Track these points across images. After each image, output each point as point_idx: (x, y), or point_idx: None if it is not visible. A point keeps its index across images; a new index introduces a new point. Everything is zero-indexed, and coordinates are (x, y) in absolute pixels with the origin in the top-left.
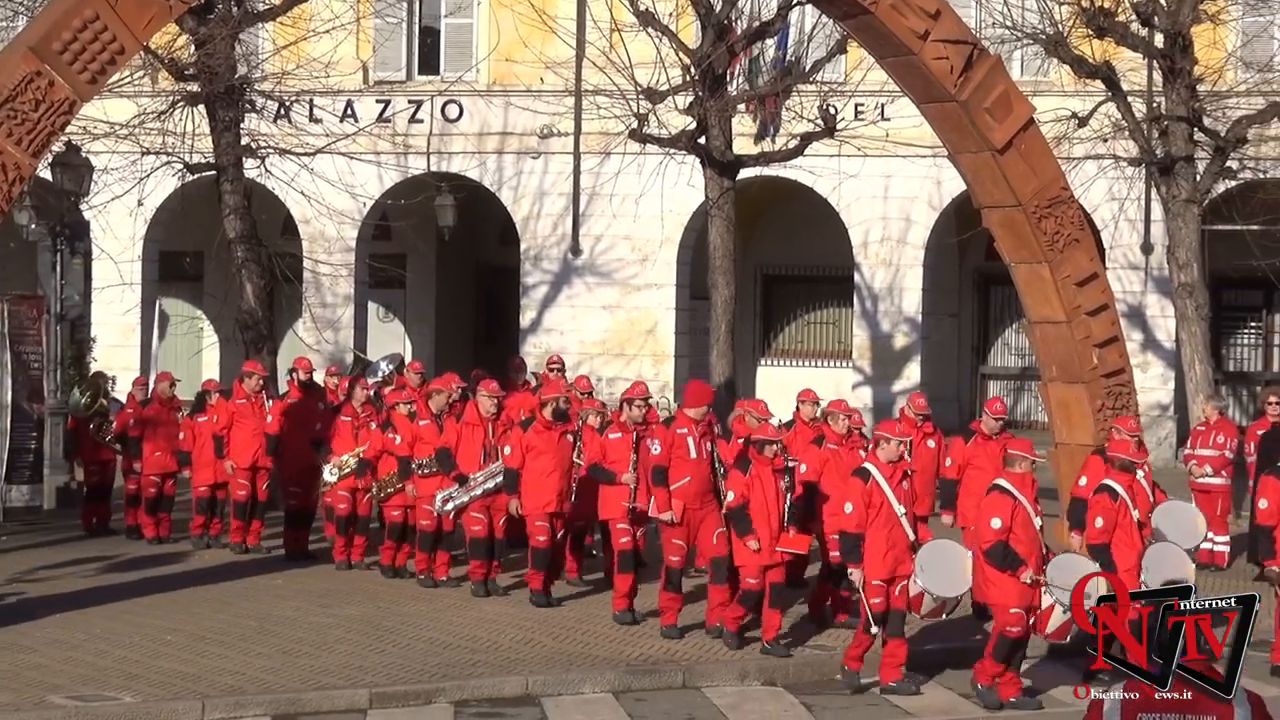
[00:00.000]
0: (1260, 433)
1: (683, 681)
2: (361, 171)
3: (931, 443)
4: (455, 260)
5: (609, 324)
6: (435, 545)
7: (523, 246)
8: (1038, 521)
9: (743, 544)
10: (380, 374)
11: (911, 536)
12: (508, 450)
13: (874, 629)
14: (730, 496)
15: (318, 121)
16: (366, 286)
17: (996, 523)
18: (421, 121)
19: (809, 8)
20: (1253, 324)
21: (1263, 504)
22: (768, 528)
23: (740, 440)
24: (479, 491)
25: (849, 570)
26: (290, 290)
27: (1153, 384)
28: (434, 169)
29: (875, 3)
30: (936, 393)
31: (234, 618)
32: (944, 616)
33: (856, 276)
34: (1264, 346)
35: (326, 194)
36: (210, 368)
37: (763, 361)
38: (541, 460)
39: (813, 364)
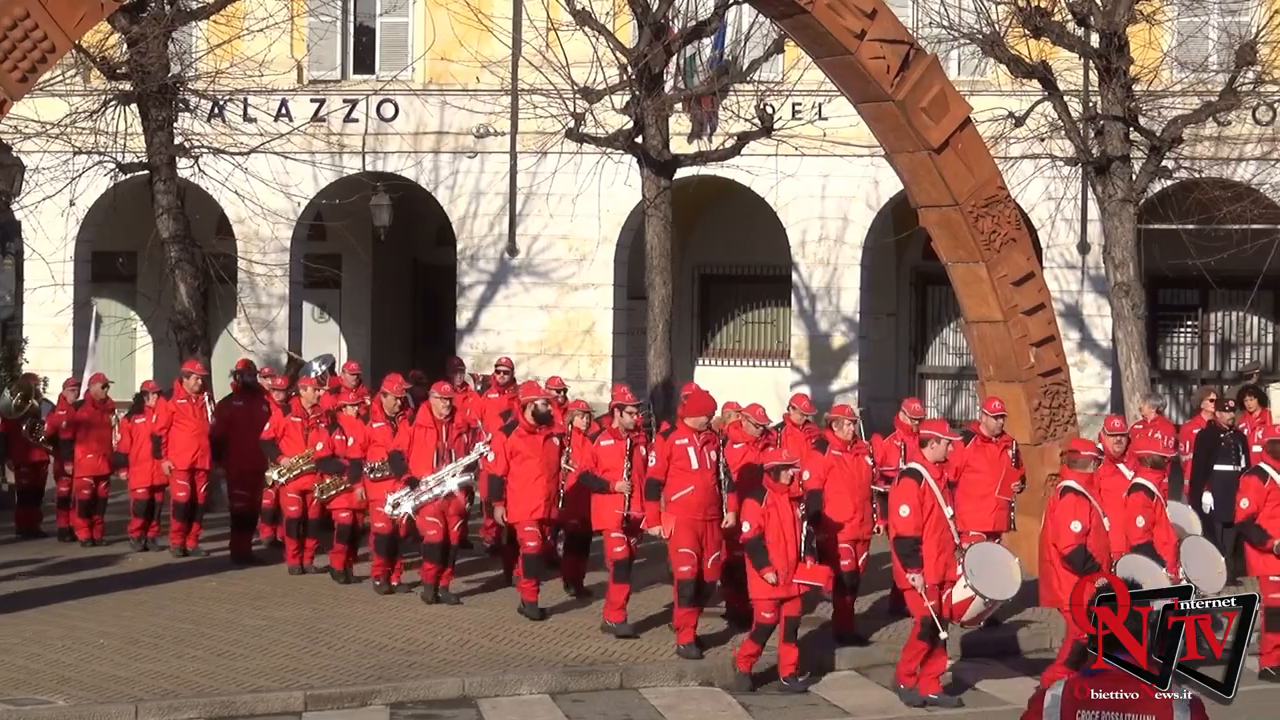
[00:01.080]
0: (1196, 431)
1: (620, 682)
2: (296, 171)
3: None
4: (391, 260)
5: (546, 324)
6: (392, 550)
7: (459, 246)
8: (1107, 522)
9: (759, 577)
10: (313, 374)
11: (957, 539)
12: (491, 456)
13: (944, 634)
14: (746, 528)
15: (252, 121)
16: (301, 287)
17: (1077, 526)
18: (357, 121)
19: (746, 7)
20: (1189, 323)
21: (1244, 503)
22: (784, 559)
23: (736, 446)
24: (428, 496)
25: (910, 575)
26: (224, 290)
27: (1089, 383)
28: (369, 168)
29: (812, 2)
30: (875, 392)
31: (167, 620)
32: (981, 624)
33: (794, 276)
34: (1200, 345)
35: (261, 194)
36: (144, 369)
37: (700, 361)
38: (527, 465)
39: (750, 364)
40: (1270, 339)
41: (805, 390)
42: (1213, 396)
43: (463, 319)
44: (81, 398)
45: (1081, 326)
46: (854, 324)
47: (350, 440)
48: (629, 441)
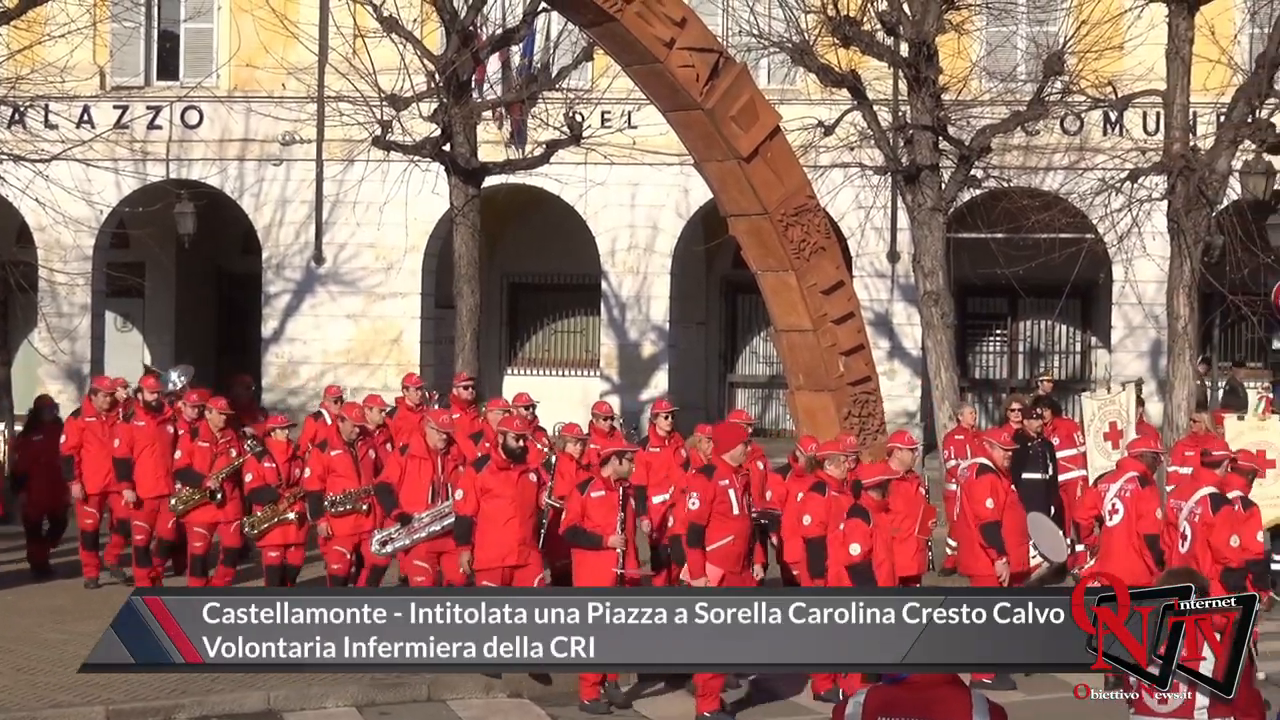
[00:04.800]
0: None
1: (428, 694)
2: (99, 178)
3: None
4: (195, 269)
5: (353, 333)
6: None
7: (264, 255)
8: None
9: None
10: (171, 386)
11: None
12: (458, 494)
13: None
14: (856, 549)
15: (53, 127)
16: (104, 295)
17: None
18: (160, 128)
19: (555, 14)
20: (998, 331)
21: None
22: (890, 582)
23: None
24: (424, 534)
25: (996, 565)
26: (25, 300)
27: (899, 391)
28: (173, 176)
29: (620, 10)
30: (685, 400)
31: None
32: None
33: (604, 285)
34: (1008, 354)
35: (62, 201)
36: None
37: (509, 371)
38: (498, 505)
39: (560, 373)
40: (1078, 347)
41: (615, 399)
42: (1017, 405)
43: (268, 328)
44: None
45: (891, 335)
46: (664, 333)
47: (308, 471)
48: (622, 492)
